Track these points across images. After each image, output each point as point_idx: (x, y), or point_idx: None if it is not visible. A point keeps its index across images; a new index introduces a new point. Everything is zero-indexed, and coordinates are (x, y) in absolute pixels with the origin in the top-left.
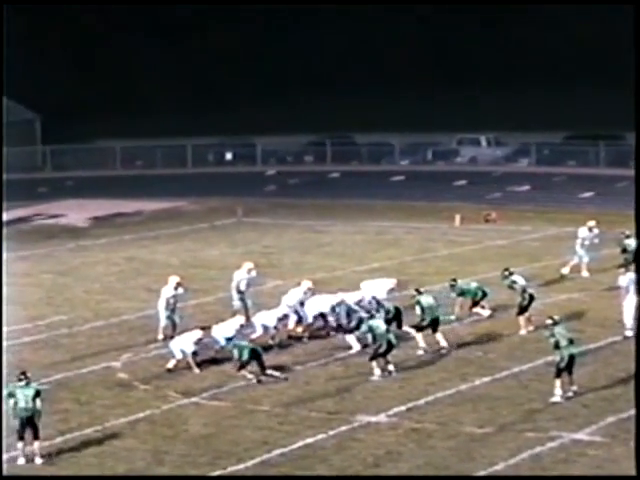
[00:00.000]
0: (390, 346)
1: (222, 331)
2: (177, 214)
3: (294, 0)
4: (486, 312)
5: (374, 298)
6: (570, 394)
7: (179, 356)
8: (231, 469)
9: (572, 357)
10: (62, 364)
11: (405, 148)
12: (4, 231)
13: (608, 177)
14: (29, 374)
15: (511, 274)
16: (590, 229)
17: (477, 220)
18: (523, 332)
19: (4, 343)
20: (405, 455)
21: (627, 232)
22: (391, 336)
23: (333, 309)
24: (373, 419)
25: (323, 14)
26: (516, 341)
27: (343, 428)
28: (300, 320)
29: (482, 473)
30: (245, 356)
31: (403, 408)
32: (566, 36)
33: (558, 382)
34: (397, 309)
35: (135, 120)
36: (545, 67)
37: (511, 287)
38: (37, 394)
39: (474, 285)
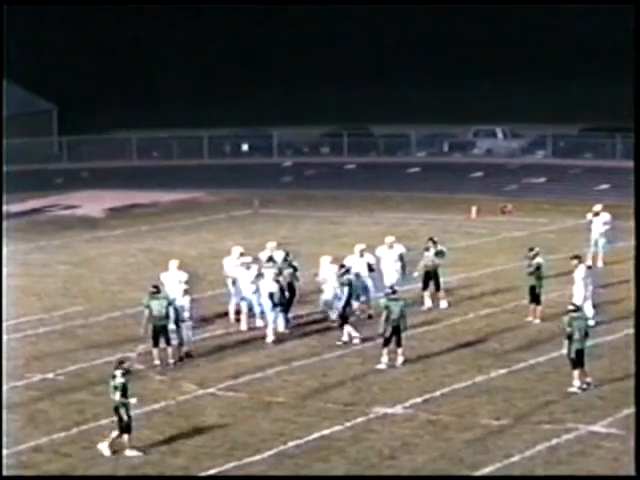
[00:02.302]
0: (396, 331)
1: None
2: (193, 205)
3: None
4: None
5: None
6: (584, 386)
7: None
8: (247, 460)
9: (581, 351)
10: (78, 355)
11: (421, 140)
12: (18, 222)
13: (624, 169)
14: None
15: (536, 255)
16: (596, 214)
17: (493, 212)
18: (536, 321)
19: (20, 334)
20: (421, 447)
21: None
22: (402, 322)
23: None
24: (389, 411)
25: (338, 6)
26: (532, 333)
27: (359, 420)
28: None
29: (498, 465)
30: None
31: (419, 400)
32: (583, 28)
33: (575, 373)
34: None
35: (151, 111)
36: (562, 59)
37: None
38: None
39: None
